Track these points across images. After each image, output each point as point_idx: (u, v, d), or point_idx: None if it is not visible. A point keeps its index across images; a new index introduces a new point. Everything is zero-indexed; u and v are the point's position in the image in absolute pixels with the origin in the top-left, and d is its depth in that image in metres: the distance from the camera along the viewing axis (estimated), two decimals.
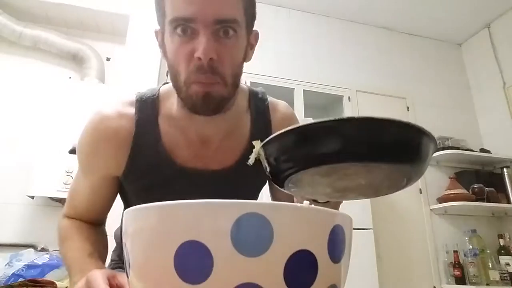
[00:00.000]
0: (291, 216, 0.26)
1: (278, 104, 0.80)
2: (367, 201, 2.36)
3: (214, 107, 0.62)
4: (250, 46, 0.67)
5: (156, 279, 0.25)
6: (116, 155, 0.68)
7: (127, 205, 0.78)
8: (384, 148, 0.36)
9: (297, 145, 0.38)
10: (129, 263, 0.28)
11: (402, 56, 3.23)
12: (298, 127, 0.37)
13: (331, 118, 0.35)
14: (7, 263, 1.71)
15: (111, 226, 0.81)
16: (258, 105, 0.76)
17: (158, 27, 0.65)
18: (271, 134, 0.80)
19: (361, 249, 2.17)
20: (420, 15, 3.11)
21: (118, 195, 0.78)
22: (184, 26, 0.57)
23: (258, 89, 0.79)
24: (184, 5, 0.56)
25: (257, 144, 0.44)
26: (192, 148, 0.69)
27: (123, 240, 0.29)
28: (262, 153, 0.43)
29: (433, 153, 0.40)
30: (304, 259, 0.25)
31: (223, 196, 0.68)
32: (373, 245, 2.28)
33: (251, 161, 0.45)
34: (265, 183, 0.81)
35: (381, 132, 0.36)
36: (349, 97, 2.91)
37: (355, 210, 2.19)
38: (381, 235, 2.50)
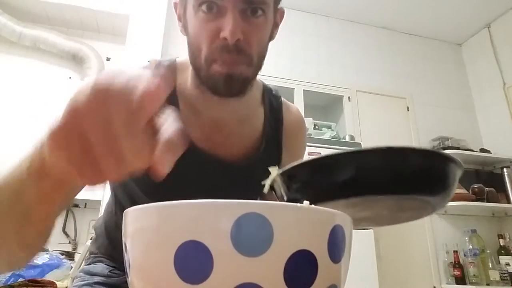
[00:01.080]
0: (291, 216, 0.26)
1: (291, 106, 0.79)
2: None
3: (237, 89, 0.58)
4: (275, 25, 0.64)
5: (156, 279, 0.25)
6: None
7: (121, 189, 0.71)
8: (413, 180, 0.33)
9: (318, 178, 0.36)
10: (129, 263, 0.28)
11: (402, 56, 3.23)
12: (319, 159, 0.34)
13: (354, 149, 0.33)
14: None
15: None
16: (272, 101, 0.74)
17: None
18: (282, 133, 0.77)
19: (361, 249, 2.17)
20: (420, 15, 3.11)
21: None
22: (210, 3, 0.54)
23: (272, 85, 0.78)
24: None
25: (274, 171, 0.41)
26: (204, 130, 0.65)
27: (123, 240, 0.29)
28: (279, 180, 0.40)
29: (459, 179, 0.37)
30: (304, 259, 0.25)
31: (228, 187, 0.65)
32: (373, 245, 2.28)
33: (265, 189, 0.42)
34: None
35: (407, 163, 0.33)
36: (349, 97, 2.91)
37: None
38: (381, 235, 2.50)
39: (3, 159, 2.09)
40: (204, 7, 0.54)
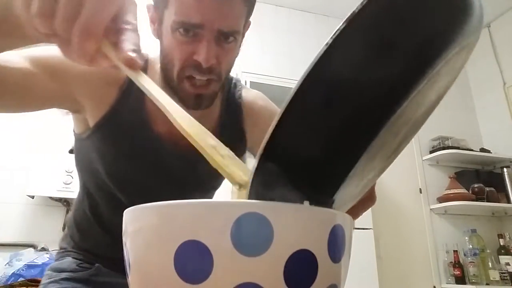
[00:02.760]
0: (291, 216, 0.26)
1: (251, 90, 0.81)
2: None
3: (206, 104, 0.63)
4: (242, 37, 0.68)
5: (156, 279, 0.25)
6: (103, 84, 0.63)
7: (87, 173, 0.73)
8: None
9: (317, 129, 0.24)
10: (129, 263, 0.28)
11: None
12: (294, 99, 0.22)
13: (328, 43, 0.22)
14: (7, 263, 1.71)
15: None
16: (231, 90, 0.77)
17: (151, 2, 0.64)
18: (242, 119, 0.76)
19: (361, 249, 2.17)
20: None
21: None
22: (188, 29, 0.57)
23: (233, 76, 0.80)
24: (193, 12, 0.56)
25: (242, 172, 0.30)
26: (166, 123, 0.67)
27: (123, 240, 0.29)
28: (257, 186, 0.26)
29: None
30: (304, 258, 0.25)
31: (189, 179, 0.67)
32: (373, 245, 2.28)
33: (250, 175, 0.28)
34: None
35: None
36: None
37: None
38: (381, 235, 2.50)
39: (3, 159, 2.06)
40: (181, 30, 0.57)
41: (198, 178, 0.69)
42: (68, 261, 0.75)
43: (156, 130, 0.67)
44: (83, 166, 0.74)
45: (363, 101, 0.23)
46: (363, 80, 0.22)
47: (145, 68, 0.68)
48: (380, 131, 0.24)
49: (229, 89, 0.77)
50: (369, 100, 0.23)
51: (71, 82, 0.61)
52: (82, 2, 0.28)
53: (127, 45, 0.31)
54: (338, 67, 0.22)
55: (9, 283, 1.60)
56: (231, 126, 0.74)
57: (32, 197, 2.08)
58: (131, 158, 0.67)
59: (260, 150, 0.23)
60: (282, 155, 0.24)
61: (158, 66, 0.66)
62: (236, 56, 0.65)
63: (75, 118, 0.69)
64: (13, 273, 1.64)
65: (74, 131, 0.73)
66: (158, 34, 0.64)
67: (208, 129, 0.70)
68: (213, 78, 0.60)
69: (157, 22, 0.63)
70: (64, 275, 0.72)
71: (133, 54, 0.31)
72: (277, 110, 0.81)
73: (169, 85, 0.63)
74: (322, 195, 0.28)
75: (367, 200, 0.41)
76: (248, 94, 0.78)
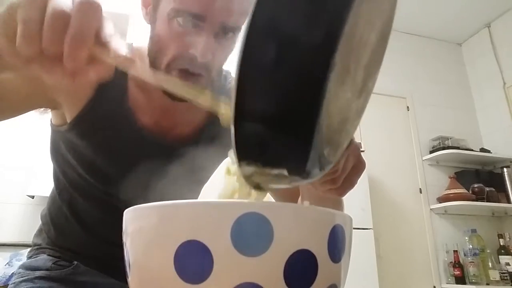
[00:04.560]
0: (291, 215, 0.26)
1: None
2: (367, 201, 2.36)
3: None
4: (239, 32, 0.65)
5: (156, 278, 0.25)
6: (78, 87, 0.59)
7: (62, 173, 0.70)
8: None
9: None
10: (129, 263, 0.28)
11: (402, 55, 3.23)
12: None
13: None
14: (7, 263, 1.71)
15: None
16: (222, 81, 0.73)
17: None
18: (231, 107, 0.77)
19: (361, 249, 2.17)
20: (420, 14, 3.11)
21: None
22: (188, 19, 0.53)
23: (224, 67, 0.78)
24: (197, 1, 0.51)
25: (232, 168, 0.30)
26: (154, 114, 0.65)
27: (123, 240, 0.29)
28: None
29: None
30: (304, 258, 0.25)
31: (174, 172, 0.63)
32: (373, 245, 2.28)
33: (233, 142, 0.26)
34: (218, 164, 0.76)
35: None
36: None
37: (355, 210, 2.19)
38: (381, 235, 2.50)
39: (3, 159, 2.06)
40: (180, 20, 0.53)
41: (183, 171, 0.66)
42: (43, 259, 0.70)
43: (141, 121, 0.64)
44: (59, 158, 0.69)
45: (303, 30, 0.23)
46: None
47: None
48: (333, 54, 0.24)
49: (219, 81, 0.73)
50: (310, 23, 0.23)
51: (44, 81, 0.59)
52: (68, 16, 0.29)
53: (117, 44, 0.32)
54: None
55: (9, 283, 1.60)
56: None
57: (32, 197, 2.08)
58: (111, 151, 0.64)
59: (232, 114, 0.23)
60: (253, 115, 0.25)
61: (144, 52, 0.62)
62: (231, 53, 0.61)
63: (53, 112, 0.67)
64: (13, 273, 1.64)
65: (51, 121, 0.69)
66: (151, 19, 0.59)
67: (197, 123, 0.67)
68: (203, 74, 0.56)
69: (151, 5, 0.59)
70: (38, 273, 0.67)
71: (125, 50, 0.32)
72: None
73: (154, 73, 0.58)
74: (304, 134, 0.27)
75: (358, 164, 0.43)
76: None
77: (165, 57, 0.56)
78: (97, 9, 0.30)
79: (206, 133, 0.69)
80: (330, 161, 0.31)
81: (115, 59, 0.32)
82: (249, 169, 0.27)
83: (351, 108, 0.32)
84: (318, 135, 0.26)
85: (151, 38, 0.60)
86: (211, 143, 0.68)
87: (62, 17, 0.29)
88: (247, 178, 0.28)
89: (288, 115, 0.25)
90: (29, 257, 0.75)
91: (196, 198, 0.78)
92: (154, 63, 0.59)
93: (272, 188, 0.35)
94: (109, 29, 0.32)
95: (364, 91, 0.32)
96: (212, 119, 0.69)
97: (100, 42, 0.32)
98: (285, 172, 0.27)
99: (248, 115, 0.24)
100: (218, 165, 0.77)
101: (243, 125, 0.24)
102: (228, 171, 0.32)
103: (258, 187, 0.29)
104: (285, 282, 0.24)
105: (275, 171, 0.27)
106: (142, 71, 0.62)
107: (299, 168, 0.28)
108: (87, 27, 0.30)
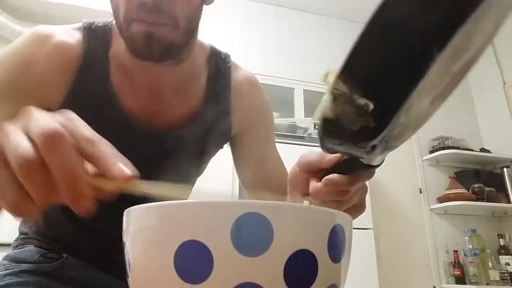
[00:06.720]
0: (291, 216, 0.26)
1: (242, 68, 0.74)
2: (367, 201, 2.36)
3: (160, 52, 0.53)
4: None
5: (156, 279, 0.25)
6: (54, 81, 0.57)
7: None
8: None
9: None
10: (129, 263, 0.28)
11: None
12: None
13: None
14: None
15: None
16: (219, 65, 0.70)
17: None
18: (229, 98, 0.69)
19: (361, 249, 2.17)
20: None
21: None
22: None
23: (223, 50, 0.73)
24: None
25: (331, 76, 0.29)
26: (140, 98, 0.61)
27: (123, 239, 0.29)
28: (343, 88, 0.28)
29: None
30: (304, 258, 0.25)
31: (163, 159, 0.60)
32: (373, 245, 2.28)
33: (315, 117, 0.30)
34: (213, 155, 0.74)
35: None
36: None
37: None
38: (381, 235, 2.50)
39: None
40: None
41: (171, 159, 0.63)
42: (30, 250, 0.66)
43: (126, 106, 0.60)
44: None
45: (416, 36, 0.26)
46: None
47: (106, 38, 0.62)
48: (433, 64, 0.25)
49: (216, 61, 0.70)
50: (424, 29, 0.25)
51: (31, 95, 0.55)
52: (35, 161, 0.24)
53: (110, 163, 0.27)
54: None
55: None
56: (216, 105, 0.68)
57: None
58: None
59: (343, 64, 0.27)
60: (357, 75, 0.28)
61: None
62: (198, 4, 0.57)
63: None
64: None
65: None
66: None
67: (194, 99, 0.64)
68: (166, 23, 0.52)
69: None
70: (24, 266, 0.62)
71: (122, 168, 0.26)
72: (264, 100, 0.76)
73: (123, 36, 0.55)
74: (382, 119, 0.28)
75: (359, 205, 0.48)
76: (237, 73, 0.72)
77: (120, 12, 0.53)
78: (62, 137, 0.25)
79: (202, 118, 0.65)
80: (389, 148, 0.30)
81: (116, 183, 0.27)
82: (343, 86, 0.28)
83: (422, 110, 0.30)
84: (397, 118, 0.27)
85: (110, 2, 0.57)
86: (209, 129, 0.64)
87: (30, 165, 0.24)
88: (334, 91, 0.28)
89: (390, 80, 0.27)
90: (14, 247, 0.70)
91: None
92: (118, 27, 0.56)
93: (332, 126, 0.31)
94: (87, 140, 0.26)
95: (436, 100, 0.30)
96: (209, 104, 0.66)
97: (91, 160, 0.27)
98: (370, 106, 0.28)
99: (363, 58, 0.28)
100: (216, 152, 0.73)
101: (359, 58, 0.28)
102: (325, 77, 0.30)
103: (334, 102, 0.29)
104: (285, 282, 0.24)
105: (362, 101, 0.28)
106: (119, 49, 0.57)
107: (374, 132, 0.28)
108: (68, 163, 0.25)
